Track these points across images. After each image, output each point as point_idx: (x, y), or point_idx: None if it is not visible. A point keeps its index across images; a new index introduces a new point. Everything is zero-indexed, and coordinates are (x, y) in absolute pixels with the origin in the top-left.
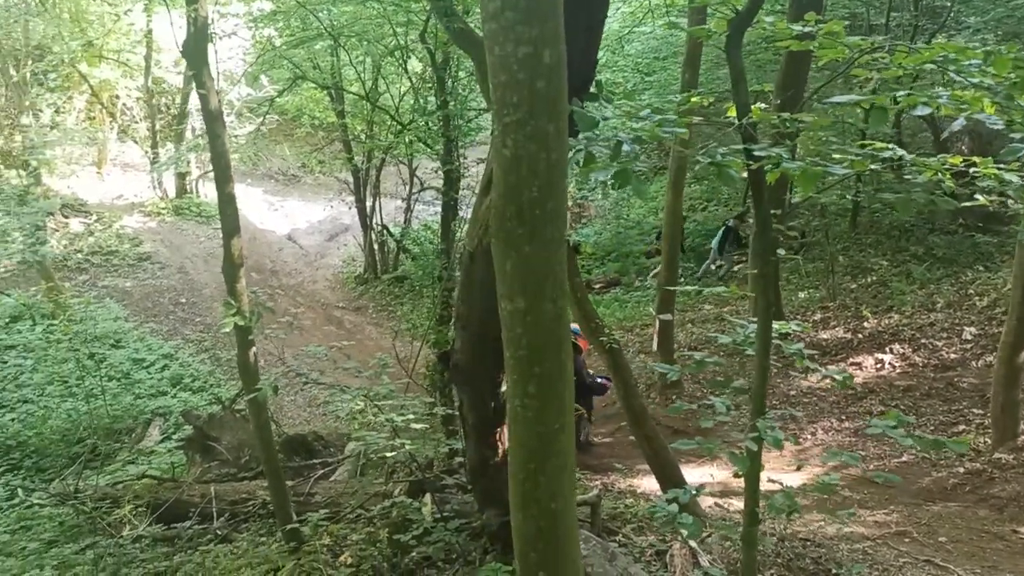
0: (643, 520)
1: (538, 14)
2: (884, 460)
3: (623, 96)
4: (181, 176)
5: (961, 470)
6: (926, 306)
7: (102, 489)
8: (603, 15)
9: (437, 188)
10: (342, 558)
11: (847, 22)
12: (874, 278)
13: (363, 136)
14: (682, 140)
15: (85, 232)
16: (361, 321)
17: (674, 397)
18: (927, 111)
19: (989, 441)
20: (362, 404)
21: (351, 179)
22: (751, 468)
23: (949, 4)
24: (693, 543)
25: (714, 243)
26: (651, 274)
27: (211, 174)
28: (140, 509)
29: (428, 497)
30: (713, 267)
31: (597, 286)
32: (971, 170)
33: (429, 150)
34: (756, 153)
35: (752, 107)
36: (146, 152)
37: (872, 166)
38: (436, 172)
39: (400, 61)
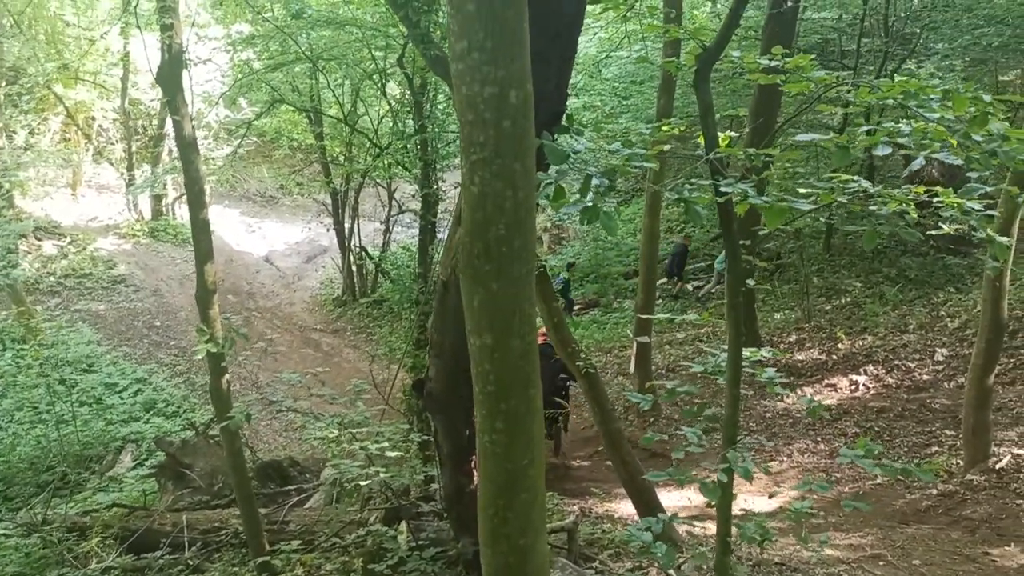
0: (620, 546)
1: (505, 55)
2: (859, 482)
3: (601, 120)
4: (157, 198)
5: (934, 492)
6: (899, 327)
7: (71, 518)
8: (573, 51)
9: (415, 211)
10: None
11: (818, 49)
12: (848, 299)
13: (341, 159)
14: (653, 171)
15: (58, 255)
16: (339, 343)
17: (652, 419)
18: (887, 151)
19: (961, 463)
20: (336, 432)
21: (329, 201)
22: (722, 498)
23: (918, 31)
24: (671, 571)
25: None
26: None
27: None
28: (109, 539)
29: (404, 525)
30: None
31: (576, 308)
32: (935, 200)
33: (408, 173)
34: (723, 188)
35: (721, 139)
36: (122, 174)
37: (839, 199)
38: (415, 196)
39: (379, 85)
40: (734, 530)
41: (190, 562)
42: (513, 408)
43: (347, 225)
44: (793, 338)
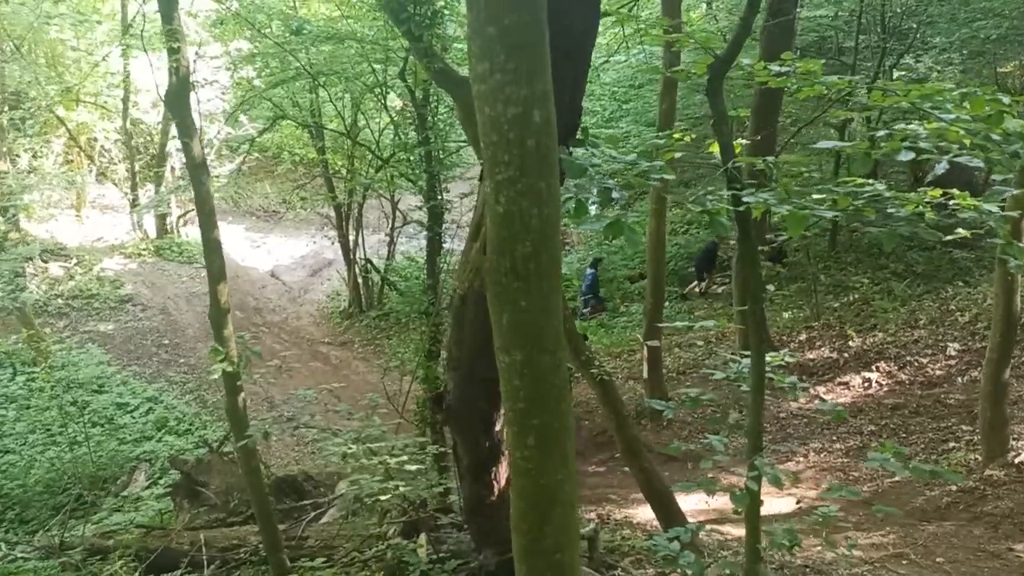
0: (641, 553)
1: (527, 76)
2: (877, 480)
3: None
4: (161, 217)
5: (954, 488)
6: (909, 323)
7: (89, 540)
8: (586, 67)
9: (420, 222)
10: None
11: (815, 47)
12: (856, 296)
13: (344, 171)
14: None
15: (65, 276)
16: (348, 356)
17: (664, 423)
18: (910, 156)
19: (979, 458)
20: (354, 447)
21: (333, 214)
22: (751, 506)
23: (915, 26)
24: None
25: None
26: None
27: (192, 215)
28: (130, 561)
29: (423, 537)
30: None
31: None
32: (951, 203)
33: (412, 185)
34: (746, 199)
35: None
36: (125, 194)
37: (855, 203)
38: (419, 207)
39: (380, 97)
40: (764, 538)
41: None
42: (545, 424)
43: (351, 237)
44: (803, 337)
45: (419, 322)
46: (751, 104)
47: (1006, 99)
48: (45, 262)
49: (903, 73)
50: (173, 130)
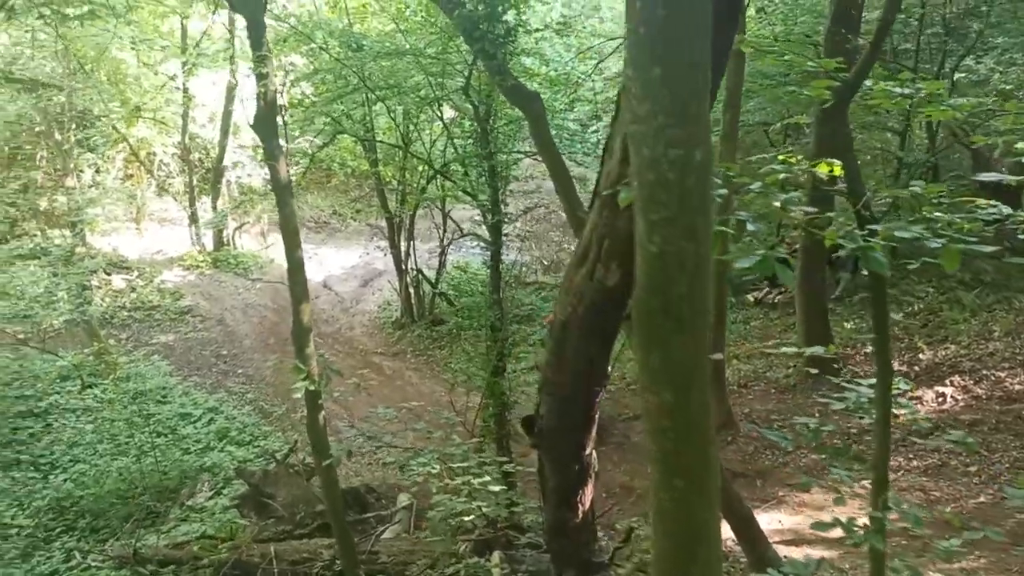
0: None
1: (691, 116)
2: (960, 501)
3: None
4: (218, 230)
5: None
6: (983, 335)
7: (162, 551)
8: (716, 87)
9: (477, 235)
10: None
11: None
12: (922, 307)
13: (395, 183)
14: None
15: (127, 289)
16: (400, 367)
17: (729, 438)
18: None
19: None
20: (438, 467)
21: (385, 225)
22: (874, 548)
23: (977, 27)
24: None
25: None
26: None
27: (247, 227)
28: (201, 572)
29: (497, 556)
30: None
31: None
32: None
33: (472, 199)
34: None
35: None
36: (184, 207)
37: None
38: (472, 219)
39: (435, 110)
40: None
41: None
42: (693, 465)
43: (403, 248)
44: (869, 349)
45: (482, 336)
46: (815, 113)
47: None
48: (108, 275)
49: (963, 75)
50: (229, 144)
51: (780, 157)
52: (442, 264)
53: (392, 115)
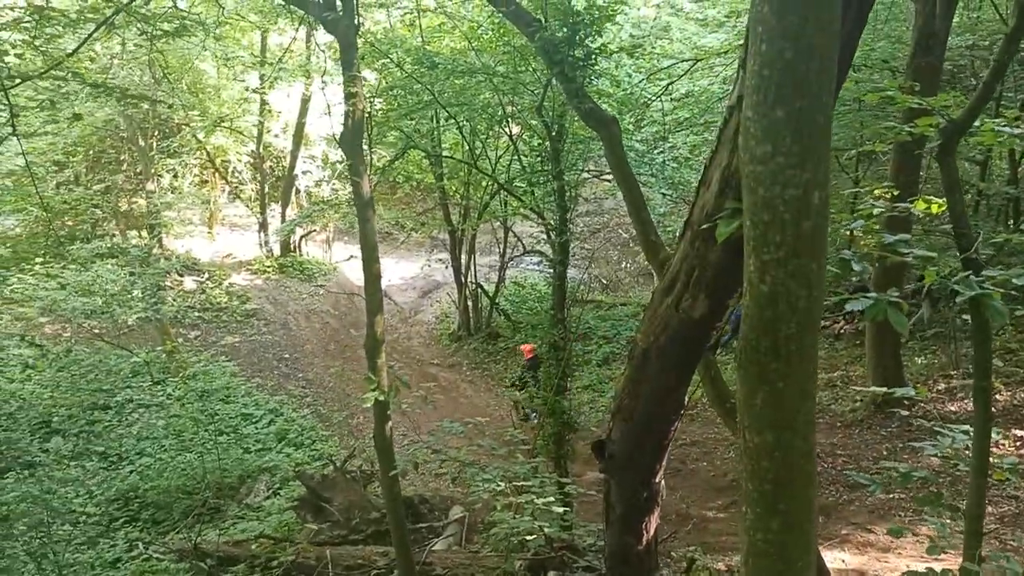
0: None
1: (811, 158)
2: None
3: None
4: (286, 236)
5: None
6: None
7: (221, 547)
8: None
9: (543, 253)
10: None
11: (948, 76)
12: (997, 344)
13: (459, 197)
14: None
15: (197, 290)
16: (456, 378)
17: None
18: None
19: None
20: (503, 485)
21: (446, 238)
22: None
23: None
24: None
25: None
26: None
27: (314, 234)
28: (257, 571)
29: None
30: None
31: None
32: None
33: (539, 217)
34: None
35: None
36: (254, 213)
37: None
38: (531, 235)
39: (504, 127)
40: None
41: None
42: (793, 508)
43: (462, 261)
44: (942, 386)
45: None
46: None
47: None
48: (181, 276)
49: None
50: (300, 154)
51: (876, 192)
52: (501, 279)
53: (461, 131)
